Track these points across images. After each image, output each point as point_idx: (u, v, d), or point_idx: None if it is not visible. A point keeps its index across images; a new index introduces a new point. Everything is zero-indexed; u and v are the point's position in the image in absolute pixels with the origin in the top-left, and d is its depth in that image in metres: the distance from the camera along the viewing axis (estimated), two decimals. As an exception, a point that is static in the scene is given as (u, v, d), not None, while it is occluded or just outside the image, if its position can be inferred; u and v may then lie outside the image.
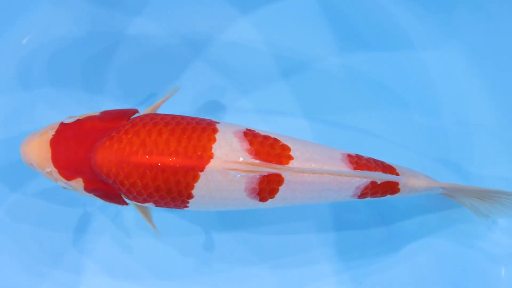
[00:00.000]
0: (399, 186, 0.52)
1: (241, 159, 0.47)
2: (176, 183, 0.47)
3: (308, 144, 0.51)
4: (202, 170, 0.46)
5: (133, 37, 0.64)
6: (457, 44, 0.62)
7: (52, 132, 0.50)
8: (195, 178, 0.46)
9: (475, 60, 0.61)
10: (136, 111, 0.52)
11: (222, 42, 0.64)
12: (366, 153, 0.53)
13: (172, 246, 0.60)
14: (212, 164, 0.46)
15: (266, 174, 0.47)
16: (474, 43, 0.61)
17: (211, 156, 0.46)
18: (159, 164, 0.46)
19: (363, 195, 0.51)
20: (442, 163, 0.61)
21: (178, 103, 0.59)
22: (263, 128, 0.52)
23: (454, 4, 0.61)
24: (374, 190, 0.51)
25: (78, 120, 0.50)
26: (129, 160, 0.46)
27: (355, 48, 0.63)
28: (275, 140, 0.50)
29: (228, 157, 0.47)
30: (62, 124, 0.50)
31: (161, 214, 0.60)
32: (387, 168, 0.52)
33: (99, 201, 0.59)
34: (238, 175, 0.47)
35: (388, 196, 0.53)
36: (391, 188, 0.52)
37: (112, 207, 0.60)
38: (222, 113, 0.63)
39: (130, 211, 0.61)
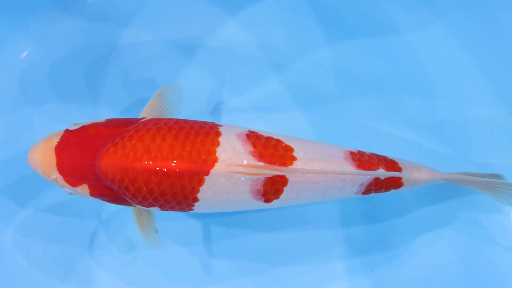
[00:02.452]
0: (402, 181, 0.52)
1: (245, 162, 0.47)
2: (181, 188, 0.47)
3: (310, 144, 0.51)
4: (207, 174, 0.46)
5: (126, 45, 0.65)
6: (443, 25, 0.61)
7: (57, 139, 0.50)
8: (200, 182, 0.47)
9: (462, 39, 0.61)
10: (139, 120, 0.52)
11: (213, 45, 0.64)
12: (364, 142, 0.53)
13: (180, 256, 0.60)
14: (216, 168, 0.46)
15: (271, 176, 0.47)
16: (460, 23, 0.61)
17: (215, 160, 0.47)
18: (164, 169, 0.46)
19: (367, 191, 0.52)
20: (439, 145, 0.60)
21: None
22: (261, 126, 0.52)
23: None
24: (377, 186, 0.51)
25: (83, 126, 0.51)
26: (133, 166, 0.46)
27: (343, 38, 0.63)
28: (278, 141, 0.50)
29: (232, 161, 0.47)
30: (67, 131, 0.51)
31: (167, 224, 0.61)
32: (389, 163, 0.52)
33: (106, 214, 0.62)
34: (243, 178, 0.47)
35: (392, 191, 0.53)
36: (394, 183, 0.52)
37: (120, 217, 0.62)
38: (219, 115, 0.63)
39: (135, 222, 0.61)
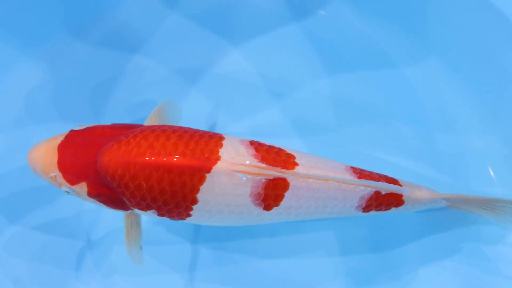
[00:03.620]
0: (403, 198, 0.52)
1: (247, 162, 0.47)
2: (181, 185, 0.46)
3: (312, 155, 0.51)
4: (208, 171, 0.46)
5: (132, 70, 0.67)
6: (436, 58, 0.64)
7: (61, 138, 0.50)
8: (201, 180, 0.46)
9: (455, 71, 0.63)
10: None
11: (215, 73, 0.67)
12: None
13: (169, 282, 0.59)
14: (219, 165, 0.46)
15: (272, 178, 0.47)
16: (451, 55, 0.64)
17: (218, 158, 0.47)
18: (166, 164, 0.46)
19: (367, 207, 0.51)
20: (436, 173, 0.61)
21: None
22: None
23: (428, 21, 0.64)
24: (378, 201, 0.51)
25: (88, 127, 0.51)
26: (135, 161, 0.46)
27: (341, 70, 0.66)
28: (280, 149, 0.50)
29: (235, 160, 0.47)
30: (71, 131, 0.51)
31: (158, 249, 0.59)
32: (390, 180, 0.52)
33: (95, 236, 0.60)
34: (244, 178, 0.47)
35: (393, 209, 0.52)
36: (395, 199, 0.52)
37: (109, 240, 0.60)
38: None
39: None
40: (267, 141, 0.62)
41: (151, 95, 0.66)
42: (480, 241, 0.58)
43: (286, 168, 0.48)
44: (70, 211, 0.62)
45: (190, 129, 0.50)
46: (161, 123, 0.56)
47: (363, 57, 0.66)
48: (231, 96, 0.66)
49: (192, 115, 0.64)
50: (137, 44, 0.68)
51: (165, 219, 0.61)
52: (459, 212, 0.58)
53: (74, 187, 0.49)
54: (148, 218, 0.61)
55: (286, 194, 0.48)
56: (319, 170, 0.49)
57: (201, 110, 0.65)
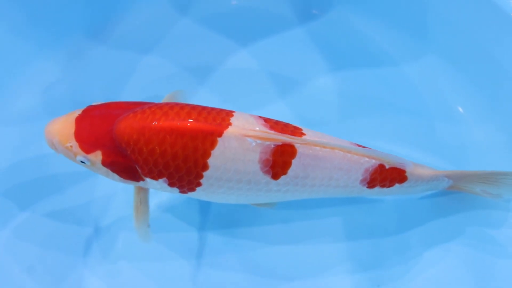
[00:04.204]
0: (406, 174, 0.53)
1: (257, 128, 0.49)
2: (193, 150, 0.48)
3: (317, 132, 0.54)
4: (220, 136, 0.48)
5: (144, 69, 0.71)
6: (433, 54, 0.68)
7: (79, 112, 0.53)
8: (213, 144, 0.48)
9: (451, 65, 0.67)
10: None
11: (224, 71, 0.71)
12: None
13: (176, 268, 0.59)
14: (230, 130, 0.48)
15: (280, 144, 0.49)
16: (448, 51, 0.67)
17: (229, 124, 0.49)
18: (179, 129, 0.48)
19: (372, 181, 0.53)
20: (437, 162, 0.62)
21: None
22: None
23: (425, 20, 0.68)
24: (382, 175, 0.52)
25: (105, 102, 0.54)
26: (150, 126, 0.48)
27: (343, 68, 0.70)
28: (288, 123, 0.53)
29: (246, 127, 0.49)
30: (89, 105, 0.54)
31: (165, 235, 0.60)
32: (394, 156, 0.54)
33: (103, 223, 0.61)
34: (254, 143, 0.49)
35: (396, 186, 0.54)
36: (398, 175, 0.53)
37: (117, 228, 0.61)
38: None
39: (134, 233, 0.60)
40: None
41: (161, 91, 0.69)
42: (483, 225, 0.59)
43: (294, 136, 0.50)
44: (79, 200, 0.63)
45: (202, 105, 0.53)
46: None
47: (365, 56, 0.70)
48: (239, 93, 0.69)
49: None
50: (149, 44, 0.72)
51: (173, 204, 0.63)
52: (462, 197, 0.59)
53: (89, 155, 0.51)
54: (156, 204, 0.62)
55: (293, 161, 0.50)
56: (325, 140, 0.51)
57: (209, 105, 0.68)
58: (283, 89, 0.69)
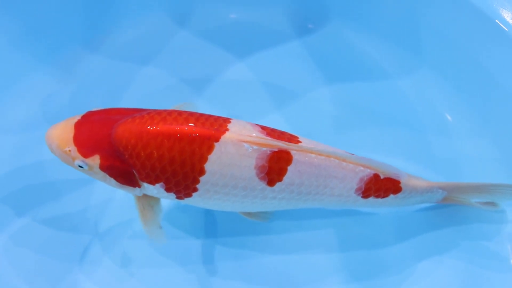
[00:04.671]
0: (401, 185, 0.54)
1: (254, 134, 0.50)
2: (191, 154, 0.49)
3: (313, 140, 0.55)
4: (217, 141, 0.49)
5: (142, 78, 0.72)
6: (426, 68, 0.70)
7: (79, 117, 0.53)
8: (210, 148, 0.49)
9: (444, 79, 0.69)
10: None
11: (221, 82, 0.72)
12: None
13: (174, 275, 0.59)
14: (227, 135, 0.49)
15: (276, 150, 0.50)
16: (441, 65, 0.69)
17: (226, 130, 0.50)
18: (177, 134, 0.49)
19: (366, 191, 0.53)
20: (430, 175, 0.63)
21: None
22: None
23: (419, 36, 0.70)
24: (377, 185, 0.53)
25: (104, 108, 0.55)
26: (148, 130, 0.49)
27: (338, 81, 0.72)
28: (284, 131, 0.53)
29: (243, 132, 0.50)
30: (89, 111, 0.54)
31: (168, 243, 0.61)
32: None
33: (100, 230, 0.62)
34: (250, 149, 0.49)
35: (391, 197, 0.54)
36: (393, 185, 0.54)
37: (113, 234, 0.62)
38: None
39: (131, 239, 0.61)
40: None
41: (159, 103, 0.69)
42: (476, 238, 0.59)
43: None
44: (76, 206, 0.63)
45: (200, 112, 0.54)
46: None
47: (359, 69, 0.72)
48: (236, 105, 0.70)
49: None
50: (147, 55, 0.74)
51: (170, 211, 0.63)
52: (455, 210, 0.59)
53: (87, 160, 0.51)
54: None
55: (289, 168, 0.50)
56: (321, 148, 0.52)
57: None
58: (279, 101, 0.71)
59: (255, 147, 0.49)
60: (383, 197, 0.54)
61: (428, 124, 0.67)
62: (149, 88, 0.72)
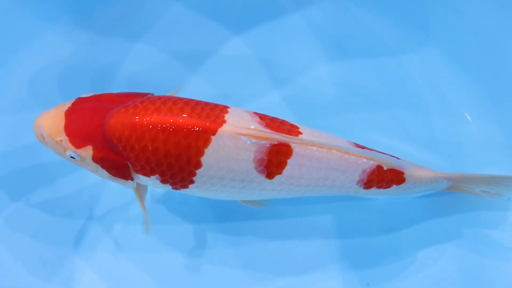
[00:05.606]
0: (405, 176, 0.52)
1: (252, 126, 0.48)
2: (186, 147, 0.47)
3: (315, 129, 0.52)
4: (214, 134, 0.47)
5: (133, 55, 0.69)
6: (433, 46, 0.66)
7: (68, 105, 0.51)
8: (206, 142, 0.47)
9: (451, 58, 0.65)
10: (151, 94, 0.54)
11: (216, 58, 0.69)
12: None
13: (170, 259, 0.59)
14: (224, 128, 0.47)
15: (276, 143, 0.48)
16: (448, 43, 0.66)
17: (224, 122, 0.47)
18: (172, 126, 0.47)
19: (368, 182, 0.52)
20: (434, 158, 0.62)
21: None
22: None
23: (425, 11, 0.66)
24: (380, 177, 0.51)
25: (95, 95, 0.52)
26: (142, 123, 0.47)
27: (339, 58, 0.68)
28: (284, 120, 0.51)
29: (240, 124, 0.48)
30: (78, 98, 0.52)
31: (160, 227, 0.60)
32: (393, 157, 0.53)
33: (96, 215, 0.60)
34: (249, 142, 0.47)
35: (394, 187, 0.53)
36: (396, 176, 0.52)
37: (109, 218, 0.61)
38: None
39: (127, 224, 0.60)
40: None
41: (152, 80, 0.67)
42: (480, 226, 0.58)
43: (290, 135, 0.49)
44: (70, 189, 0.62)
45: (196, 100, 0.51)
46: None
47: (363, 46, 0.68)
48: (231, 83, 0.67)
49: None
50: (139, 30, 0.70)
51: (166, 197, 0.62)
52: (459, 197, 0.58)
53: (79, 151, 0.49)
54: (151, 197, 0.61)
55: (289, 161, 0.49)
56: (322, 140, 0.50)
57: (202, 95, 0.65)
58: (277, 79, 0.67)
59: (253, 140, 0.47)
60: (386, 187, 0.53)
61: (432, 105, 0.65)
62: (140, 65, 0.68)
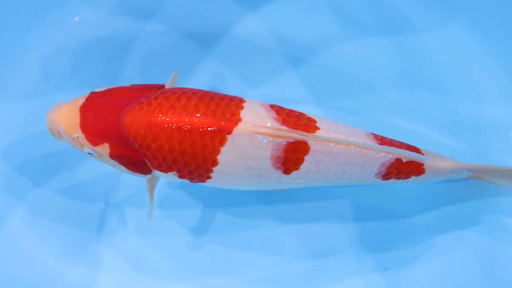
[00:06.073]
0: (424, 167, 0.51)
1: (268, 124, 0.47)
2: (202, 147, 0.47)
3: (333, 121, 0.51)
4: (229, 133, 0.46)
5: (147, 35, 0.67)
6: (459, 21, 0.63)
7: (83, 100, 0.51)
8: (222, 141, 0.47)
9: (481, 36, 0.62)
10: (163, 86, 0.53)
11: (231, 38, 0.66)
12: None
13: (189, 244, 0.60)
14: (240, 127, 0.46)
15: (293, 141, 0.47)
16: (476, 19, 0.62)
17: (239, 120, 0.47)
18: (187, 126, 0.46)
19: (387, 174, 0.51)
20: (456, 142, 0.60)
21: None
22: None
23: None
24: (399, 169, 0.51)
25: (108, 89, 0.51)
26: (157, 122, 0.47)
27: (360, 35, 0.65)
28: (301, 113, 0.50)
29: (256, 122, 0.47)
30: (92, 92, 0.51)
31: (180, 212, 0.61)
32: (412, 149, 0.52)
33: (117, 196, 0.61)
34: (265, 140, 0.47)
35: (413, 178, 0.52)
36: (416, 168, 0.51)
37: (128, 203, 0.61)
38: None
39: (145, 208, 0.61)
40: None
41: (166, 60, 0.66)
42: (500, 212, 0.57)
43: (307, 131, 0.48)
44: (89, 175, 0.63)
45: (210, 92, 0.50)
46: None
47: (384, 22, 0.65)
48: (247, 61, 0.65)
49: (206, 80, 0.64)
50: (152, 9, 0.68)
51: (184, 183, 0.62)
52: (478, 183, 0.57)
53: (96, 148, 0.50)
54: (169, 183, 0.62)
55: (306, 158, 0.48)
56: (340, 135, 0.49)
57: (216, 75, 0.65)
58: (294, 59, 0.65)
59: (270, 138, 0.47)
60: (405, 178, 0.52)
61: (455, 86, 0.62)
62: (153, 45, 0.67)
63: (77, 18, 0.68)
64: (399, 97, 0.63)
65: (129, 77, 0.66)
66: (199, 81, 0.65)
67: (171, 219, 0.61)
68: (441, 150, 0.59)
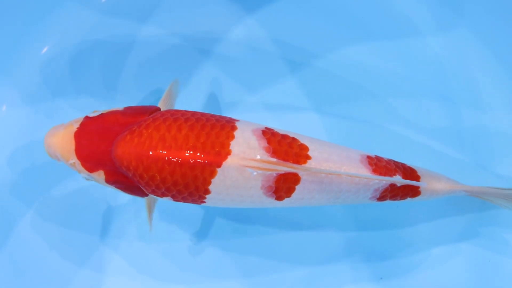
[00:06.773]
0: (420, 190, 0.51)
1: (258, 157, 0.47)
2: (193, 178, 0.47)
3: (326, 144, 0.51)
4: (219, 166, 0.46)
5: (143, 40, 0.66)
6: (466, 27, 0.60)
7: (77, 125, 0.51)
8: (212, 174, 0.47)
9: (487, 42, 0.60)
10: (158, 109, 0.53)
11: (230, 42, 0.65)
12: (380, 145, 0.53)
13: (192, 248, 0.61)
14: (229, 161, 0.46)
15: (283, 172, 0.47)
16: (483, 25, 0.59)
17: (228, 153, 0.47)
18: (177, 159, 0.46)
19: (382, 197, 0.51)
20: (457, 152, 0.59)
21: (188, 102, 0.61)
22: (274, 125, 0.51)
23: None
24: (393, 193, 0.50)
25: (101, 114, 0.52)
26: (148, 154, 0.47)
27: (362, 39, 0.63)
28: (294, 139, 0.50)
29: (246, 155, 0.47)
30: (86, 117, 0.52)
31: (182, 216, 0.62)
32: (408, 171, 0.51)
33: (121, 200, 0.63)
34: (255, 173, 0.47)
35: (409, 199, 0.52)
36: (411, 191, 0.51)
37: (134, 207, 0.63)
38: (232, 112, 0.63)
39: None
40: (283, 114, 0.62)
41: (164, 64, 0.65)
42: (496, 225, 0.57)
43: (298, 162, 0.47)
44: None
45: (202, 116, 0.50)
46: (173, 101, 0.57)
47: (387, 25, 0.62)
48: (245, 68, 0.64)
49: (204, 85, 0.63)
50: (149, 12, 0.66)
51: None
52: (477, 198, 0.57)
53: (92, 174, 0.51)
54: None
55: (297, 187, 0.48)
56: (332, 163, 0.48)
57: (214, 80, 0.64)
58: (294, 64, 0.63)
59: (259, 171, 0.47)
60: (400, 199, 0.52)
61: (459, 94, 0.60)
62: (151, 49, 0.65)
63: (74, 23, 0.66)
64: (401, 104, 0.61)
65: (127, 81, 0.65)
66: (197, 86, 0.64)
67: (174, 224, 0.62)
68: (444, 159, 0.58)
